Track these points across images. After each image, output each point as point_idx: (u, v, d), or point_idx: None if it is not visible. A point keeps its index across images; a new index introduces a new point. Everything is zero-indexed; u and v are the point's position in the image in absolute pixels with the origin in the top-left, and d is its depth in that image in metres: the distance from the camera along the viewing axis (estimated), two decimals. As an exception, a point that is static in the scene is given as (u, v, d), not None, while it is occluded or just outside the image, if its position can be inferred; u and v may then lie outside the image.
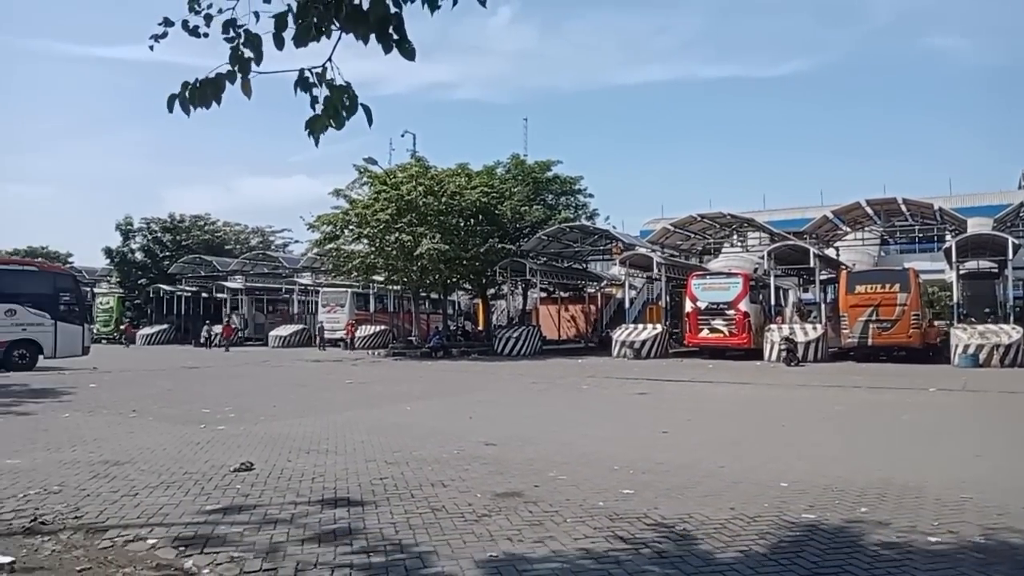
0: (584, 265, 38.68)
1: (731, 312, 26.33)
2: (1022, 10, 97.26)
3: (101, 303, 47.81)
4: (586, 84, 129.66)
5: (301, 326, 41.20)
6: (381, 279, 33.97)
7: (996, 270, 29.86)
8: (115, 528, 5.22)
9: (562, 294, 41.32)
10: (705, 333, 26.92)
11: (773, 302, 28.43)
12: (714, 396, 15.41)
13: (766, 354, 24.98)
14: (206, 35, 3.77)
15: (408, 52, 3.60)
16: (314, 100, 3.69)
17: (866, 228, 32.95)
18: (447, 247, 28.06)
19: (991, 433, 10.42)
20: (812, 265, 27.21)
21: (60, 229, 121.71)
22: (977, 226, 28.59)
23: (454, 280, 33.08)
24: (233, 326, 40.20)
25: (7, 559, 4.53)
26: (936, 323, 28.59)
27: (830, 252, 31.58)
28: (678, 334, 30.70)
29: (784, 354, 23.25)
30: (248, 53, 3.64)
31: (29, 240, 59.58)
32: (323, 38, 3.58)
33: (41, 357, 22.18)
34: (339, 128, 3.77)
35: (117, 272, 50.54)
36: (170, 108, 3.69)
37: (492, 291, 37.99)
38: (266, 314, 45.84)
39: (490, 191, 31.05)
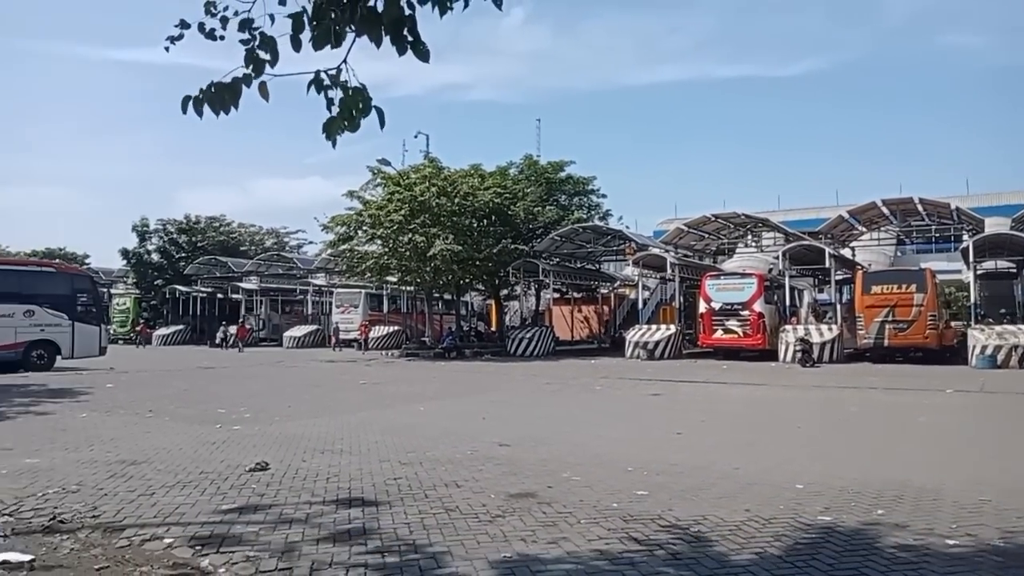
0: (597, 266, 38.60)
1: (745, 313, 26.19)
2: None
3: (118, 304, 48.26)
4: (599, 84, 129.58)
5: (315, 327, 41.41)
6: (395, 280, 34.06)
7: (1014, 270, 29.54)
8: (132, 527, 5.27)
9: (575, 295, 41.26)
10: (719, 334, 26.79)
11: (788, 303, 28.25)
12: (728, 397, 15.33)
13: (781, 355, 24.83)
14: (222, 38, 3.79)
15: (423, 54, 3.61)
16: (330, 102, 3.72)
17: (882, 228, 32.67)
18: (460, 248, 28.10)
19: (1010, 435, 10.30)
20: (827, 265, 27.00)
21: (77, 230, 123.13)
22: (995, 226, 28.29)
23: (467, 281, 33.13)
24: (248, 327, 40.45)
25: (27, 557, 4.59)
26: (953, 324, 28.32)
27: (846, 252, 31.35)
28: (692, 335, 30.57)
29: (799, 355, 23.10)
30: (264, 55, 3.67)
31: (47, 241, 60.26)
32: (335, 45, 3.60)
33: (59, 357, 22.43)
34: (354, 130, 3.79)
35: (133, 273, 51.02)
36: (184, 109, 3.71)
37: (505, 292, 37.99)
38: (280, 315, 46.11)
39: (503, 192, 31.06)
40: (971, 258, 25.11)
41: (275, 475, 7.00)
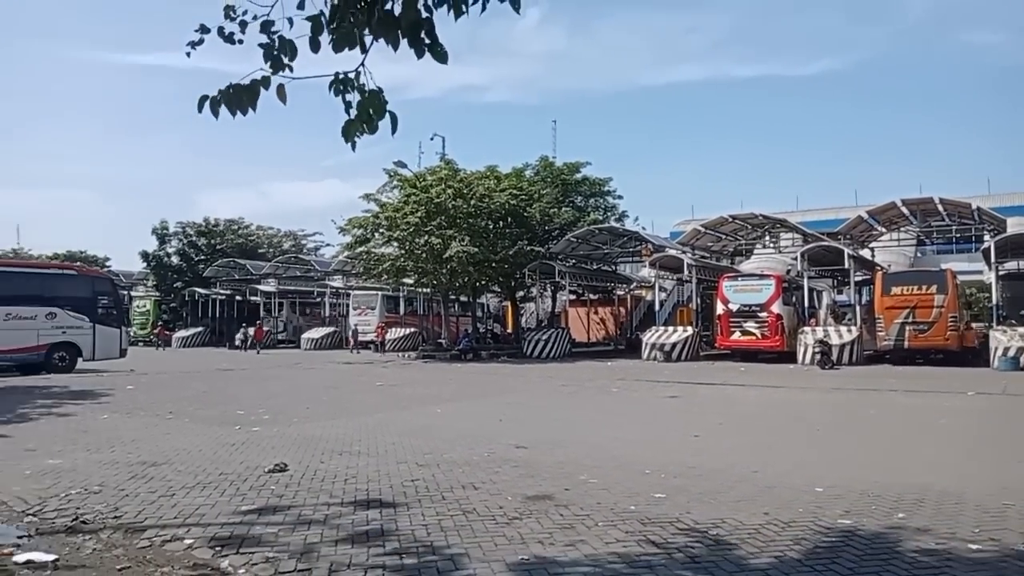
0: (613, 267, 38.49)
1: (763, 314, 26.02)
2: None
3: (138, 306, 48.78)
4: (616, 85, 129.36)
5: (333, 328, 41.64)
6: (411, 282, 34.16)
7: (1037, 270, 29.13)
8: (153, 528, 5.32)
9: (591, 296, 41.16)
10: (737, 336, 26.64)
11: (807, 304, 28.04)
12: (746, 399, 15.24)
13: (799, 357, 24.64)
14: (241, 41, 3.83)
15: (440, 56, 3.63)
16: (348, 105, 3.74)
17: (902, 228, 32.34)
18: (476, 249, 28.13)
19: (1034, 438, 10.15)
20: (847, 266, 26.77)
21: (98, 233, 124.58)
22: (1017, 226, 27.93)
23: (483, 282, 33.16)
24: (265, 328, 40.73)
25: (51, 557, 4.65)
26: (974, 325, 27.97)
27: (865, 253, 31.06)
28: (709, 337, 30.41)
29: (818, 357, 22.92)
30: (284, 58, 3.70)
31: (68, 244, 61.06)
32: (355, 47, 3.62)
33: (80, 359, 22.68)
34: (372, 132, 3.82)
35: (153, 275, 51.57)
36: (200, 109, 3.74)
37: (521, 293, 37.98)
38: (299, 316, 46.43)
39: (519, 193, 31.08)
40: (993, 258, 24.80)
41: (294, 476, 7.05)
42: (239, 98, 3.73)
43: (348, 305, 41.26)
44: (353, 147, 3.86)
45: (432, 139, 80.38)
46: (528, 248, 30.51)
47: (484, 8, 3.68)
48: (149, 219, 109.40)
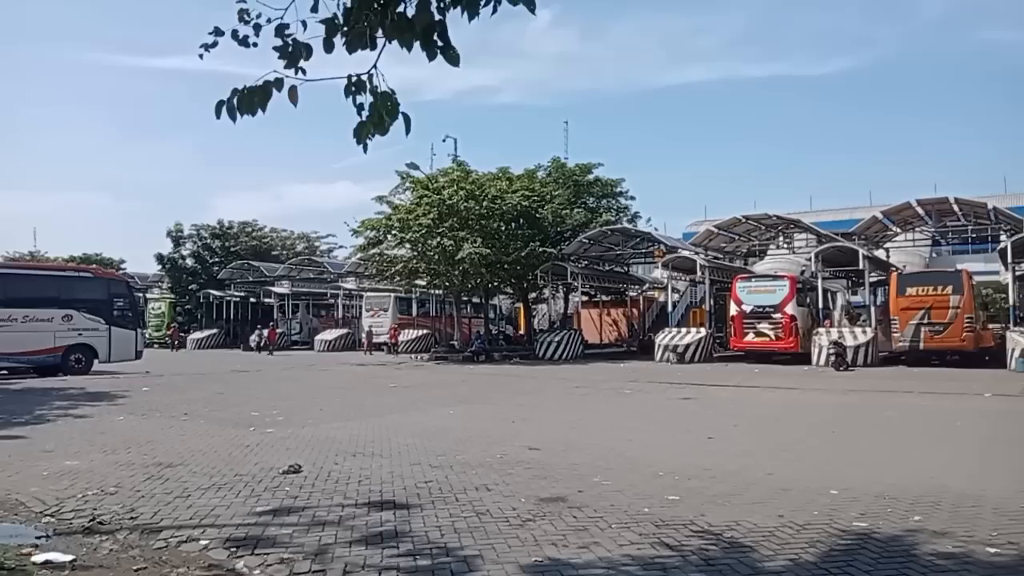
0: (626, 268, 38.40)
1: (778, 315, 25.89)
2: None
3: (153, 308, 49.14)
4: (628, 85, 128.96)
5: (346, 330, 41.80)
6: (423, 283, 34.25)
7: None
8: (169, 529, 5.36)
9: (604, 298, 41.09)
10: (751, 337, 26.52)
11: (821, 305, 27.86)
12: (761, 401, 15.16)
13: (814, 358, 24.49)
14: (255, 44, 3.85)
15: (453, 58, 3.64)
16: (360, 107, 3.75)
17: (917, 229, 32.06)
18: (488, 251, 28.15)
19: (1052, 440, 10.05)
20: (861, 267, 26.57)
21: (114, 236, 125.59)
22: (1034, 225, 27.61)
23: (495, 284, 33.19)
24: (278, 330, 40.92)
25: (69, 557, 4.70)
26: (991, 326, 27.71)
27: (880, 254, 30.83)
28: (722, 338, 30.29)
29: (833, 358, 22.77)
30: (300, 54, 3.72)
31: (84, 247, 61.60)
32: (368, 47, 3.63)
33: (96, 361, 22.88)
34: (383, 134, 3.83)
35: (168, 278, 51.97)
36: (218, 114, 3.77)
37: (533, 295, 37.96)
38: (312, 318, 46.66)
39: (531, 195, 31.08)
40: (1009, 259, 24.56)
41: (308, 477, 7.08)
42: (251, 100, 3.75)
43: (361, 307, 41.42)
44: (365, 149, 3.88)
45: (444, 141, 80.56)
46: (540, 249, 30.49)
47: (495, 10, 3.68)
48: (164, 222, 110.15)
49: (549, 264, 31.32)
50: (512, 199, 29.67)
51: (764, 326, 26.16)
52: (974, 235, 31.22)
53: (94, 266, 39.04)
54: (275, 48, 3.76)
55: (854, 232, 29.94)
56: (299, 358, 32.79)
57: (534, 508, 5.88)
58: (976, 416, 12.39)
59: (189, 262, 51.30)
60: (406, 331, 37.96)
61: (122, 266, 55.42)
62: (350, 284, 43.71)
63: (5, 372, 21.36)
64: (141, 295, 32.52)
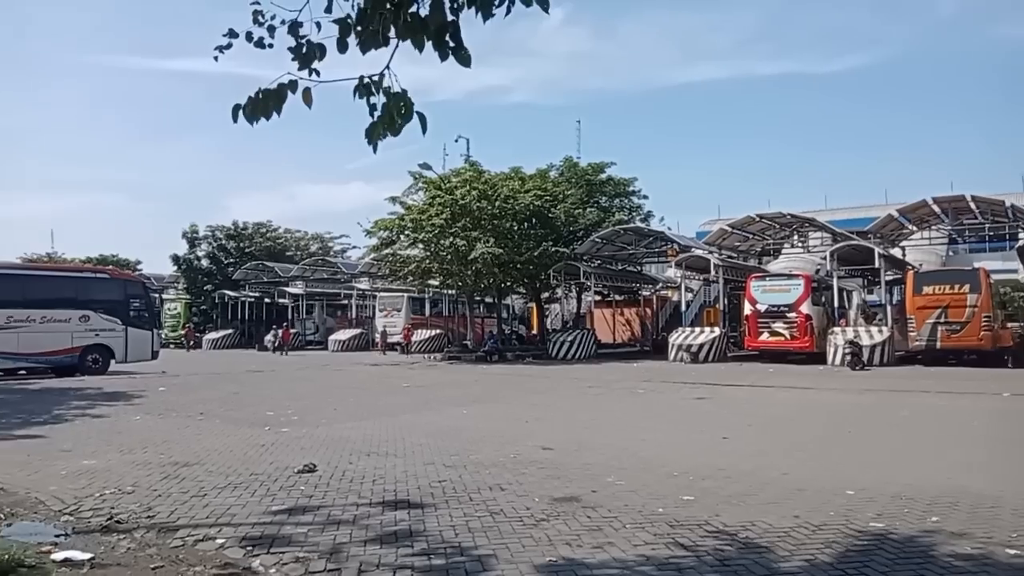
0: (639, 268, 38.30)
1: (792, 315, 25.74)
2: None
3: (169, 309, 49.51)
4: (640, 84, 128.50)
5: (359, 330, 41.95)
6: (436, 283, 34.31)
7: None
8: (185, 528, 5.40)
9: (617, 297, 41.01)
10: (765, 336, 26.37)
11: (836, 304, 27.68)
12: (776, 401, 15.08)
13: (829, 358, 24.33)
14: (270, 46, 3.87)
15: (464, 59, 3.64)
16: (372, 108, 3.76)
17: (933, 227, 31.84)
18: (501, 251, 28.16)
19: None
20: (877, 266, 26.39)
21: (130, 237, 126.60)
22: (1053, 223, 27.33)
23: (508, 284, 33.21)
24: (291, 330, 41.14)
25: (87, 555, 4.74)
26: (1010, 325, 27.42)
27: (895, 252, 30.60)
28: (736, 338, 30.15)
29: (848, 358, 22.60)
30: (313, 55, 3.74)
31: (101, 248, 62.15)
32: (382, 46, 3.65)
33: (113, 361, 23.09)
34: (395, 134, 3.84)
35: (184, 278, 52.37)
36: (235, 118, 3.80)
37: (546, 295, 37.93)
38: (327, 318, 46.87)
39: (543, 194, 31.06)
40: (1028, 257, 24.32)
41: (323, 477, 7.12)
42: (265, 103, 3.77)
43: (374, 307, 41.57)
44: (375, 149, 3.89)
45: (456, 141, 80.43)
46: (553, 249, 30.47)
47: (509, 10, 3.68)
48: (180, 223, 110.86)
49: (562, 264, 31.29)
50: (524, 199, 29.66)
51: (779, 325, 26.01)
52: (991, 233, 30.96)
53: (111, 267, 39.39)
54: (289, 49, 3.78)
55: (869, 230, 29.75)
56: (313, 358, 32.95)
57: (548, 508, 5.88)
58: (994, 416, 12.27)
59: (204, 263, 51.67)
60: (419, 331, 38.04)
61: (138, 267, 55.89)
62: (363, 284, 43.86)
63: (24, 372, 21.60)
64: (157, 296, 32.77)
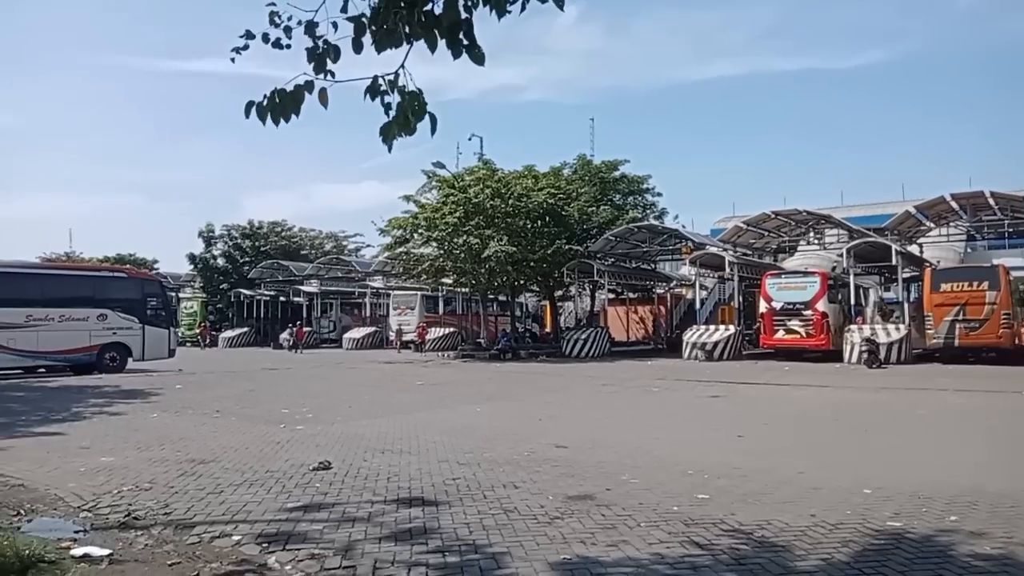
0: (653, 265, 38.17)
1: (808, 312, 25.56)
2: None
3: (185, 307, 49.90)
4: (654, 82, 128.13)
5: (373, 328, 42.09)
6: (450, 282, 34.35)
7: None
8: (202, 524, 5.44)
9: (630, 295, 40.90)
10: (781, 334, 26.21)
11: (853, 301, 27.46)
12: (791, 399, 14.99)
13: (846, 356, 24.15)
14: (287, 46, 3.88)
15: (478, 57, 3.64)
16: (387, 107, 3.77)
17: (951, 223, 31.48)
18: (514, 249, 28.16)
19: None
20: (894, 263, 26.14)
21: (147, 236, 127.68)
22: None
23: (521, 282, 33.19)
24: (305, 329, 41.38)
25: (105, 551, 4.79)
26: (1029, 322, 27.10)
27: (913, 249, 30.30)
28: (751, 335, 29.99)
29: (865, 356, 22.42)
30: (328, 59, 3.75)
31: (118, 247, 62.69)
32: (396, 45, 3.65)
33: (130, 360, 23.29)
34: (410, 134, 3.84)
35: (200, 277, 52.76)
36: (247, 115, 3.81)
37: (560, 293, 37.89)
38: (343, 316, 47.11)
39: (557, 192, 31.03)
40: (1049, 254, 24.02)
41: (337, 474, 7.14)
42: (283, 105, 3.79)
43: (388, 305, 41.71)
44: (390, 148, 3.89)
45: (470, 139, 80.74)
46: (566, 247, 30.43)
47: (524, 8, 3.68)
48: (196, 222, 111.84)
49: (575, 262, 31.24)
50: (538, 197, 29.64)
51: (795, 323, 25.84)
52: (1011, 229, 30.59)
53: (128, 266, 39.74)
54: (306, 49, 3.80)
55: (886, 227, 29.47)
56: (328, 356, 33.09)
57: (562, 506, 5.87)
58: (1013, 415, 12.14)
59: (220, 262, 52.05)
60: (433, 329, 38.13)
61: (155, 266, 56.30)
62: (377, 283, 44.02)
63: (43, 370, 21.84)
64: (174, 294, 33.01)
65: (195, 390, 16.88)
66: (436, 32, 3.60)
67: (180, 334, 36.91)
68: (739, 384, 17.66)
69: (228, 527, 5.36)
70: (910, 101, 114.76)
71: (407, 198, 31.54)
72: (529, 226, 29.95)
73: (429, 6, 3.59)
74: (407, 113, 3.75)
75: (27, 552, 4.50)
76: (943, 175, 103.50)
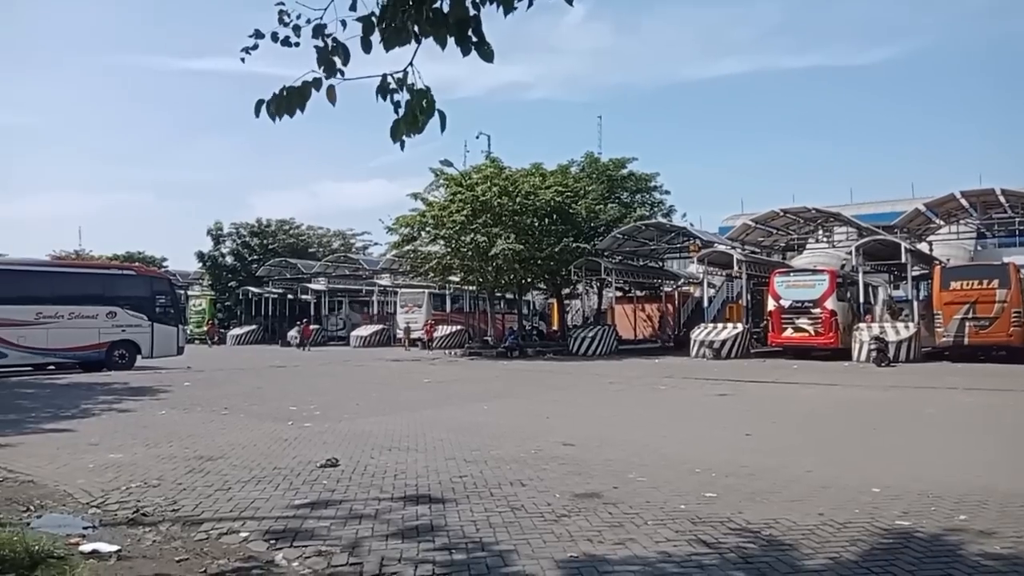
0: (660, 263, 38.10)
1: (817, 310, 25.44)
2: None
3: (194, 305, 50.14)
4: (662, 79, 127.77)
5: (381, 326, 42.19)
6: (457, 279, 34.36)
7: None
8: (210, 521, 5.46)
9: (638, 293, 40.84)
10: (789, 332, 26.10)
11: (862, 300, 27.32)
12: (800, 398, 14.93)
13: (854, 354, 24.03)
14: (297, 44, 3.89)
15: (487, 54, 3.63)
16: (396, 105, 3.77)
17: (961, 221, 31.31)
18: (522, 247, 28.14)
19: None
20: (903, 261, 26.01)
21: (156, 234, 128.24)
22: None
23: (529, 280, 33.18)
24: (312, 327, 41.49)
25: (114, 547, 4.82)
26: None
27: (922, 247, 30.14)
28: (759, 334, 29.89)
29: (874, 354, 22.32)
30: (337, 61, 3.75)
31: (127, 245, 63.04)
32: (405, 43, 3.65)
33: (139, 357, 23.41)
34: (418, 132, 3.84)
35: (209, 275, 53.02)
36: (257, 113, 3.82)
37: (567, 291, 37.85)
38: (351, 314, 47.21)
39: (564, 190, 30.97)
40: (1060, 251, 23.85)
41: (345, 471, 7.16)
42: (289, 101, 3.79)
43: (396, 303, 41.79)
44: (402, 146, 3.90)
45: (478, 138, 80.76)
46: (574, 245, 30.40)
47: (531, 3, 3.67)
48: (204, 220, 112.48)
49: (583, 260, 31.21)
50: (545, 195, 29.61)
51: (803, 321, 25.73)
52: (1022, 227, 30.40)
53: (137, 264, 39.96)
54: (316, 47, 3.80)
55: (896, 225, 29.34)
56: (335, 354, 33.16)
57: (569, 504, 5.86)
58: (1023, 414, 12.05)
59: (229, 260, 52.28)
60: (440, 327, 38.16)
61: (164, 264, 56.61)
62: (385, 281, 44.09)
63: (52, 367, 21.96)
64: (182, 292, 33.22)
65: (203, 387, 16.94)
66: (445, 29, 3.59)
67: (189, 332, 37.11)
68: (747, 382, 17.61)
69: (236, 524, 5.37)
70: (920, 98, 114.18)
71: (415, 196, 31.62)
72: (536, 224, 29.92)
73: (437, 3, 3.59)
74: (415, 111, 3.75)
75: (37, 548, 4.53)
76: (953, 173, 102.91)
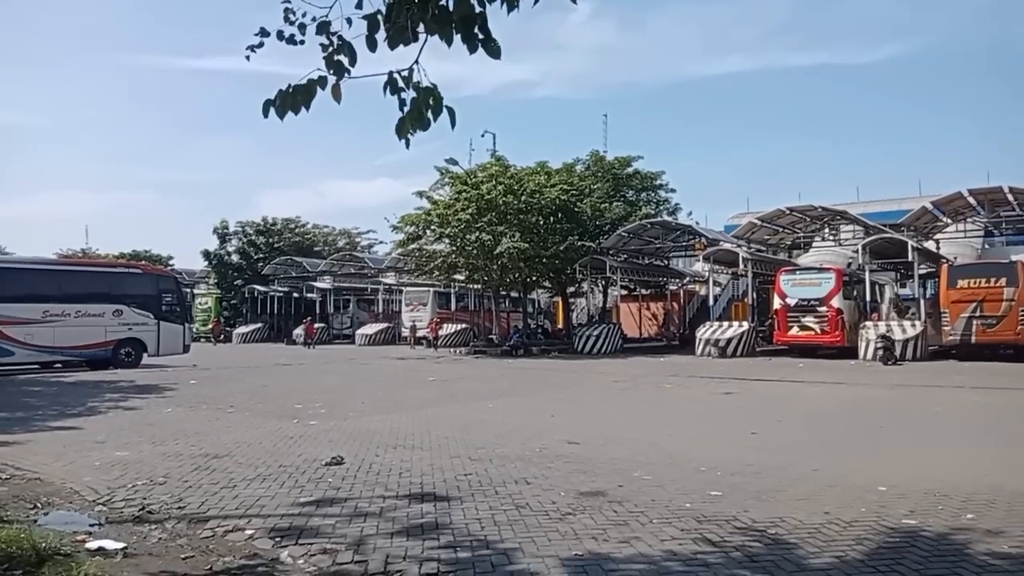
0: (666, 262, 38.04)
1: (823, 309, 25.37)
2: None
3: (200, 303, 50.25)
4: (667, 77, 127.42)
5: (386, 324, 42.22)
6: (462, 278, 34.37)
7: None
8: (216, 518, 5.47)
9: (643, 291, 40.78)
10: (795, 331, 26.03)
11: (868, 298, 27.24)
12: (806, 396, 14.89)
13: (861, 352, 23.96)
14: (302, 42, 3.89)
15: (494, 51, 3.62)
16: (402, 103, 3.76)
17: (968, 219, 31.15)
18: (527, 245, 28.14)
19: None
20: (910, 259, 25.92)
21: (162, 233, 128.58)
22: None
23: (534, 278, 33.17)
24: (320, 325, 41.56)
25: (120, 545, 4.83)
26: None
27: (929, 245, 30.02)
28: (765, 332, 29.82)
29: (880, 352, 22.26)
30: (343, 60, 3.75)
31: (133, 244, 63.14)
32: (411, 41, 3.64)
33: (145, 355, 23.49)
34: (424, 129, 3.83)
35: (214, 273, 53.13)
36: (265, 114, 3.82)
37: (572, 289, 37.80)
38: (358, 312, 47.29)
39: (569, 188, 30.95)
40: (1068, 250, 23.73)
41: (350, 469, 7.17)
42: (295, 98, 3.79)
43: (401, 301, 41.83)
44: (407, 144, 3.89)
45: (483, 136, 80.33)
46: (579, 243, 30.36)
47: (536, 0, 3.66)
48: (210, 219, 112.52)
49: (588, 258, 31.17)
50: (551, 193, 29.59)
51: (809, 319, 25.66)
52: (1030, 225, 30.21)
53: (143, 262, 40.00)
54: (321, 45, 3.80)
55: (903, 223, 29.21)
56: (341, 352, 33.23)
57: (574, 502, 5.86)
58: (1031, 412, 11.99)
59: (234, 258, 52.38)
60: (445, 325, 38.19)
61: (170, 262, 56.65)
62: (390, 279, 44.14)
63: (59, 365, 22.06)
64: (188, 290, 33.24)
65: (209, 385, 16.99)
66: (450, 27, 3.59)
67: (195, 330, 37.20)
68: (752, 381, 17.57)
69: (241, 521, 5.39)
70: (926, 96, 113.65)
71: (420, 194, 31.60)
72: (541, 222, 29.90)
73: (443, 1, 3.58)
74: (421, 108, 3.74)
75: (43, 545, 4.55)
76: (960, 171, 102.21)
